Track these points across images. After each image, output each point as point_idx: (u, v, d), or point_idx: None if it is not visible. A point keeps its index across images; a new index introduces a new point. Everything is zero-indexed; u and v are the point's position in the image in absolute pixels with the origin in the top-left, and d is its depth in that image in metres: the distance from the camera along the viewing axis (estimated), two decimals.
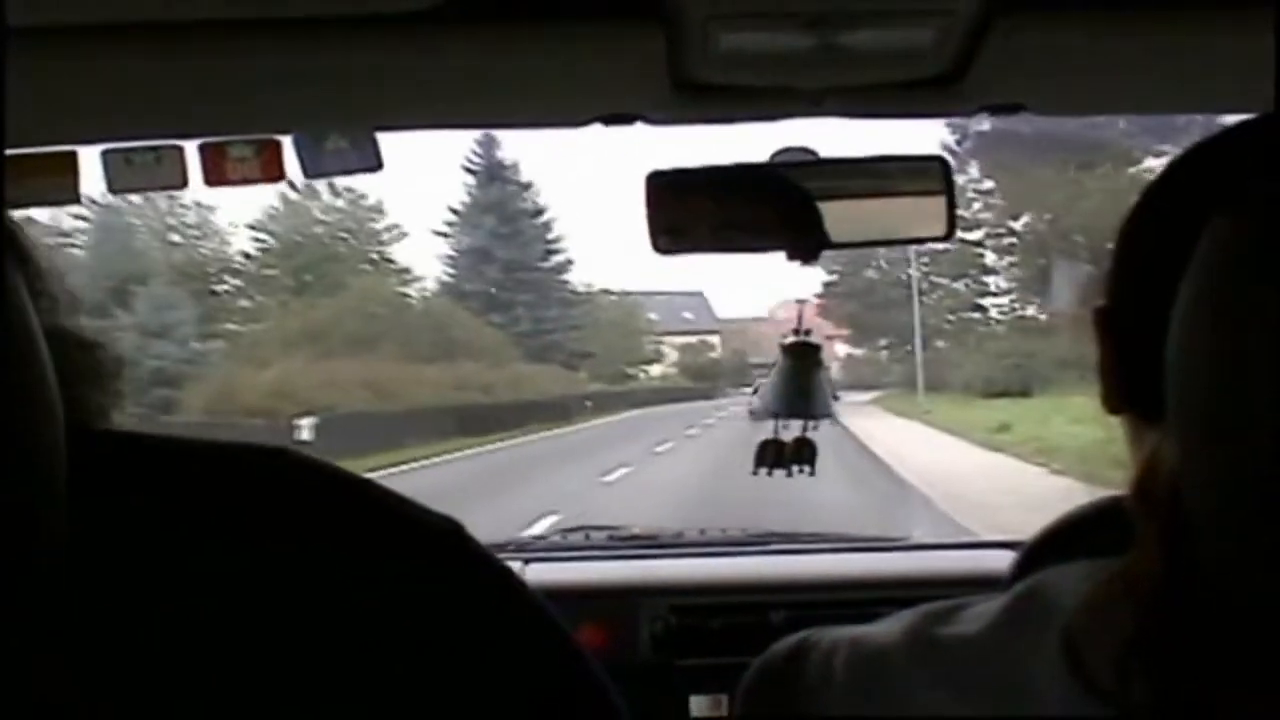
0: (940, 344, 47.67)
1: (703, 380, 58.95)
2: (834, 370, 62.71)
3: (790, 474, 2.31)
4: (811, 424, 2.23)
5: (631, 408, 45.89)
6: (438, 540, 0.82)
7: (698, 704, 2.35)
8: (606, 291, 57.28)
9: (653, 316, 63.27)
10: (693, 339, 64.00)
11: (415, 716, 0.75)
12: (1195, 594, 0.77)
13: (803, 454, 2.29)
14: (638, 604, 2.42)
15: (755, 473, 2.34)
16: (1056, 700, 0.82)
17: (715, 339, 65.25)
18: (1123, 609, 0.80)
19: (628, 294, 59.38)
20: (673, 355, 63.20)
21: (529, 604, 0.85)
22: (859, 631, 1.00)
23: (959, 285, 51.22)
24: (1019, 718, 0.84)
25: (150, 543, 0.74)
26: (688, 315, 67.38)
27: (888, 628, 0.98)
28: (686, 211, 1.83)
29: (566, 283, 53.74)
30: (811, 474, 2.32)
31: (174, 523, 0.76)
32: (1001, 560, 2.50)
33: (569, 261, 53.16)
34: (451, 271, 50.80)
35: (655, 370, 60.83)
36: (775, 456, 2.30)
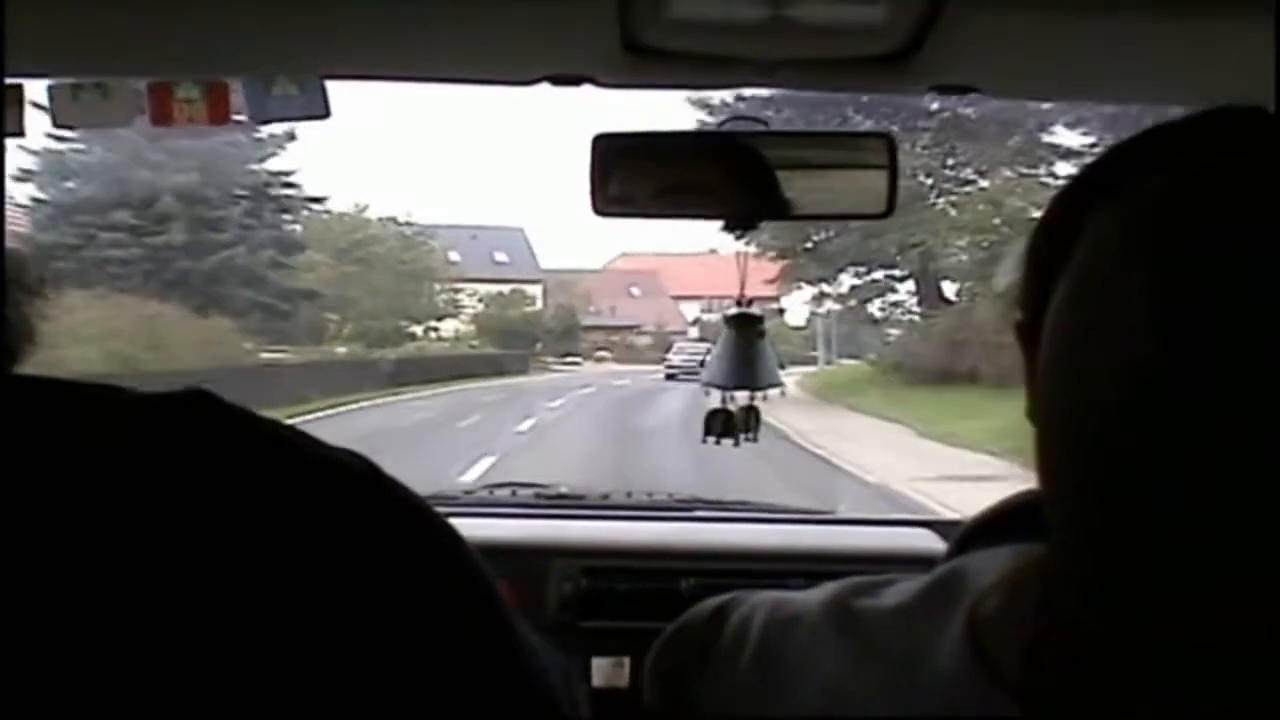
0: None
1: (513, 344, 48.02)
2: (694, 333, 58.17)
3: (738, 442, 2.47)
4: (760, 394, 2.42)
5: (381, 389, 29.86)
6: (352, 478, 0.87)
7: (599, 666, 2.47)
8: (392, 221, 46.88)
9: (454, 257, 52.84)
10: (505, 288, 53.34)
11: (330, 653, 0.80)
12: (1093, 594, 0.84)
13: (750, 423, 2.45)
14: (549, 564, 2.57)
15: (704, 441, 2.48)
16: (957, 680, 0.88)
17: (536, 290, 55.89)
18: (1032, 597, 0.87)
19: (415, 225, 48.03)
20: (478, 309, 52.53)
21: (443, 540, 0.90)
22: (781, 597, 1.07)
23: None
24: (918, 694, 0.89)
25: (61, 487, 0.79)
26: (501, 257, 57.85)
27: (810, 595, 1.04)
28: (630, 175, 1.98)
29: (289, 198, 37.87)
30: (755, 440, 2.46)
31: (85, 467, 0.80)
32: (922, 538, 2.72)
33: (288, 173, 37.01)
34: None
35: (449, 327, 49.45)
36: (724, 425, 2.45)
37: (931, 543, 2.57)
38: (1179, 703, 0.77)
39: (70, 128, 1.94)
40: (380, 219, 47.26)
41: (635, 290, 63.90)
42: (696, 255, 67.00)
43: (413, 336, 45.26)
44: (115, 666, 0.75)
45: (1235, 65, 1.45)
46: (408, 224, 47.63)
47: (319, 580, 0.81)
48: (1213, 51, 1.67)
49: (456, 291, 49.92)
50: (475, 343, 48.18)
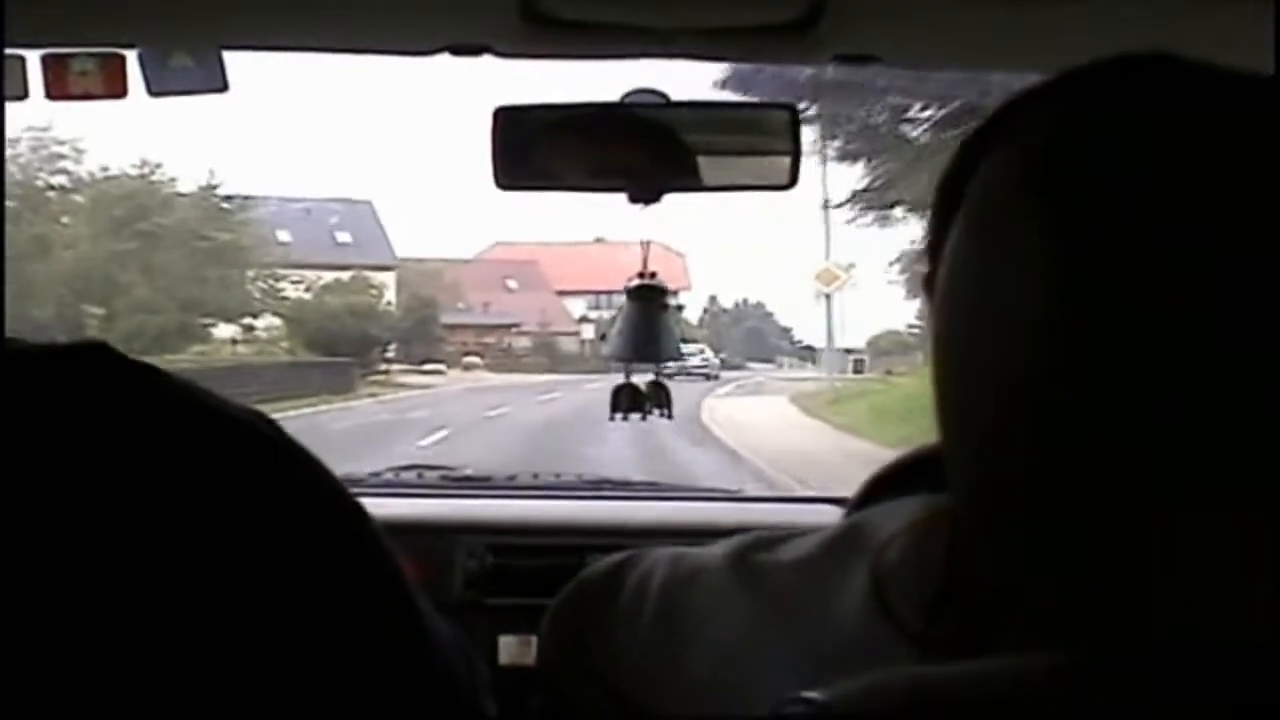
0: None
1: (341, 347, 39.94)
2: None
3: (645, 417, 2.69)
4: (663, 367, 2.65)
5: None
6: (251, 435, 0.92)
7: (506, 644, 2.67)
8: (200, 188, 40.00)
9: (284, 236, 47.51)
10: (344, 275, 46.29)
11: (216, 618, 0.84)
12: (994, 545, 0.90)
13: (659, 397, 2.68)
14: (454, 542, 2.76)
15: (612, 418, 2.70)
16: (860, 631, 0.95)
17: (386, 279, 49.49)
18: (935, 549, 0.95)
19: (225, 193, 40.92)
20: (304, 299, 44.08)
21: (344, 508, 0.95)
22: (680, 552, 1.14)
23: None
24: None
25: None
26: (344, 238, 52.84)
27: (711, 550, 1.11)
28: (532, 148, 2.17)
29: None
30: (669, 417, 2.70)
31: None
32: (831, 515, 2.90)
33: None
34: None
35: (260, 325, 42.01)
36: (630, 401, 2.67)
37: (836, 518, 2.70)
38: (1080, 649, 0.81)
39: None
40: (170, 181, 40.06)
41: (512, 283, 61.08)
42: (581, 245, 64.85)
43: (205, 339, 39.38)
44: None
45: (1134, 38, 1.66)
46: (215, 192, 40.70)
47: (209, 539, 0.85)
48: (1118, 19, 1.81)
49: (278, 280, 42.50)
50: (285, 345, 41.13)
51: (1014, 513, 0.87)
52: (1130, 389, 0.81)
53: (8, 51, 2.04)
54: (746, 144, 2.26)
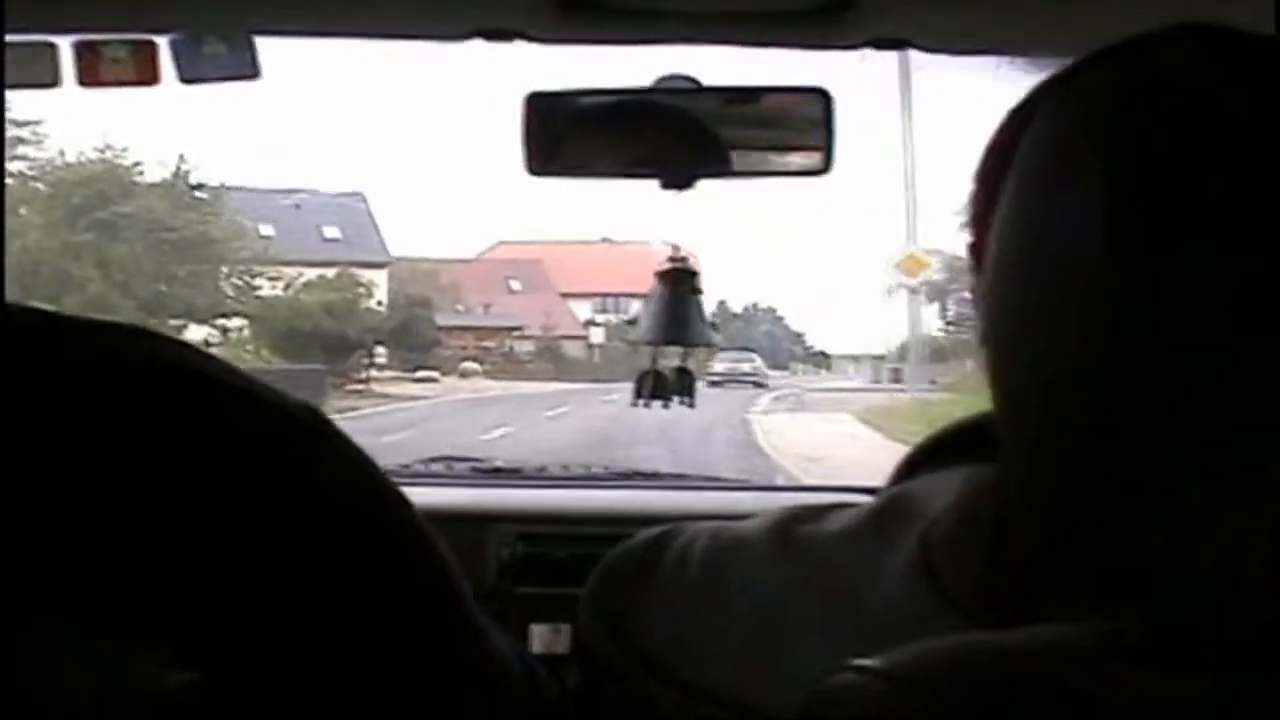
0: None
1: (311, 353, 35.84)
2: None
3: (668, 405, 2.76)
4: (689, 353, 2.72)
5: None
6: (291, 422, 0.95)
7: (538, 633, 2.72)
8: (172, 175, 35.87)
9: (267, 230, 42.75)
10: (329, 272, 41.96)
11: (266, 599, 0.89)
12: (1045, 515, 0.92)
13: (683, 384, 2.74)
14: (487, 531, 2.81)
15: (635, 404, 2.77)
16: (907, 602, 0.97)
17: (377, 277, 44.98)
18: (985, 521, 0.96)
19: (198, 181, 36.55)
20: (280, 297, 39.30)
21: (389, 497, 1.00)
22: (721, 525, 1.16)
23: None
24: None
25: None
26: (332, 233, 47.90)
27: (753, 522, 1.13)
28: (563, 134, 2.22)
29: None
30: (691, 405, 2.77)
31: (26, 399, 0.87)
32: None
33: None
34: None
35: (234, 326, 37.16)
36: (654, 387, 2.73)
37: None
38: (1129, 621, 0.83)
39: None
40: (134, 166, 35.86)
41: (515, 284, 58.94)
42: (587, 244, 62.62)
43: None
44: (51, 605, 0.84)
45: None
46: (187, 180, 37.02)
47: (256, 524, 0.89)
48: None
49: (254, 276, 38.30)
50: (251, 348, 36.19)
51: (1063, 485, 0.90)
52: (1186, 363, 0.83)
53: (39, 38, 2.11)
54: (780, 129, 2.30)
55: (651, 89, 2.26)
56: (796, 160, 2.32)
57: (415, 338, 44.84)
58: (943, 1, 2.09)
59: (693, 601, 1.12)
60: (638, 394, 2.76)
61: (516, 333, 53.83)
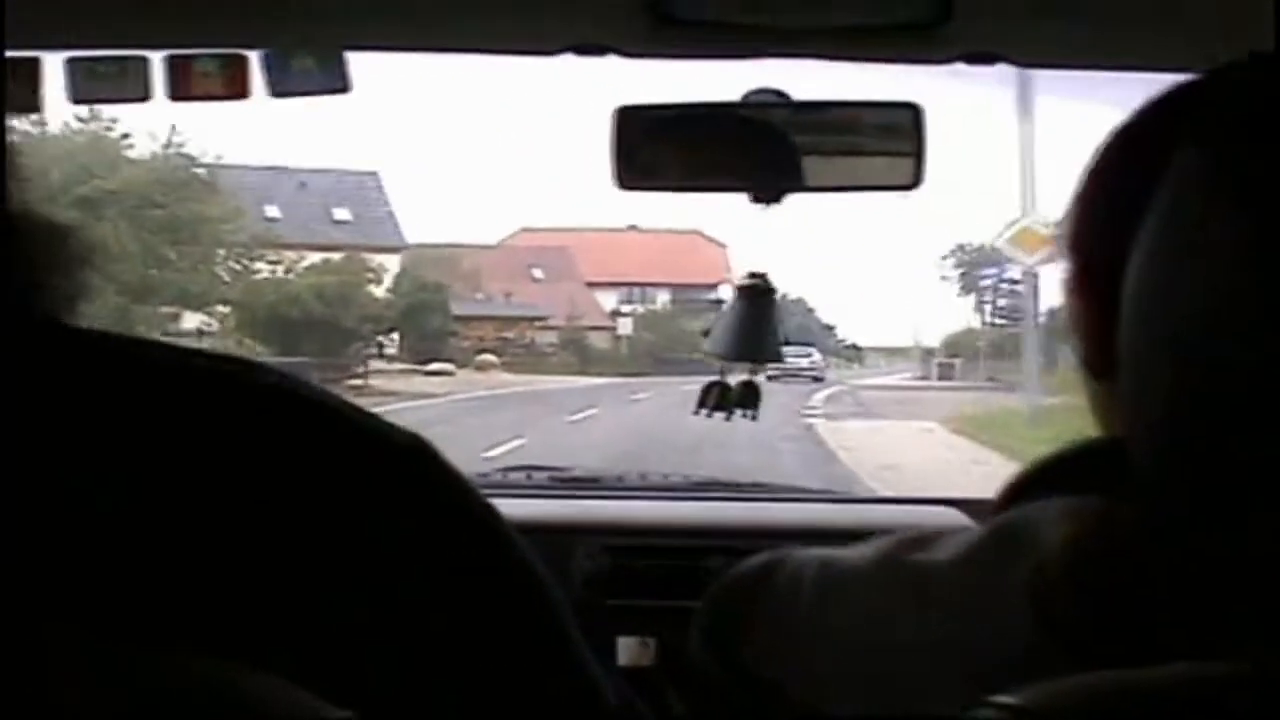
0: None
1: (299, 344, 34.09)
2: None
3: (730, 417, 2.79)
4: (774, 370, 2.77)
5: None
6: (403, 455, 0.97)
7: (625, 645, 2.74)
8: (175, 150, 35.05)
9: (272, 212, 43.20)
10: (333, 256, 40.61)
11: (374, 635, 0.91)
12: (1167, 549, 0.94)
13: (747, 398, 2.76)
14: (573, 542, 2.86)
15: (697, 413, 2.80)
16: (1020, 636, 0.99)
17: (387, 261, 43.66)
18: (1099, 553, 0.98)
19: (193, 156, 35.52)
20: (269, 279, 37.39)
21: (492, 525, 1.02)
22: (828, 553, 1.18)
23: None
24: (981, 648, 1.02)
25: (104, 447, 0.89)
26: (342, 215, 48.00)
27: (859, 551, 1.16)
28: (653, 148, 2.28)
29: None
30: (754, 419, 2.79)
31: (129, 429, 0.90)
32: (947, 517, 3.01)
33: None
34: None
35: (193, 322, 34.73)
36: (719, 399, 2.76)
37: (959, 520, 2.81)
38: (1251, 657, 0.85)
39: (88, 103, 2.20)
40: (123, 138, 34.56)
41: (538, 272, 57.87)
42: (614, 232, 61.31)
43: (160, 329, 31.46)
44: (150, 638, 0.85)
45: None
46: (180, 152, 35.64)
47: (359, 552, 0.92)
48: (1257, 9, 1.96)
49: (253, 260, 37.21)
50: (235, 338, 34.00)
51: (1197, 522, 0.92)
52: None
53: (131, 53, 2.18)
54: (869, 144, 2.34)
55: (740, 103, 2.30)
56: (885, 175, 2.36)
57: (427, 327, 44.36)
58: (1038, 14, 2.11)
59: (807, 629, 1.15)
60: (701, 404, 2.79)
61: (539, 323, 52.86)
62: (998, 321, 59.01)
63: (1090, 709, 0.87)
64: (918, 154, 2.29)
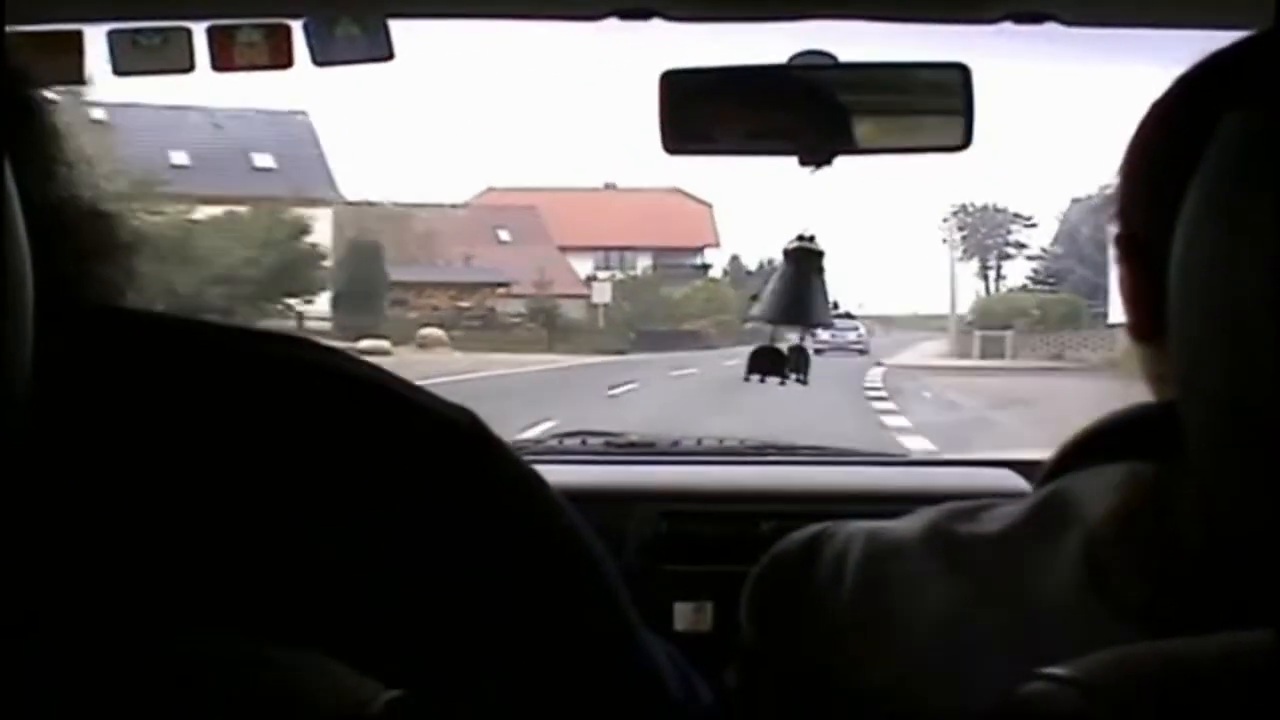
0: None
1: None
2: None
3: (784, 382, 2.98)
4: (819, 343, 2.92)
5: None
6: (459, 435, 1.04)
7: (681, 610, 2.92)
8: None
9: (179, 159, 40.44)
10: (240, 209, 37.99)
11: (431, 613, 0.97)
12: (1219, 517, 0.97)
13: (798, 363, 2.95)
14: (629, 508, 3.02)
15: (748, 379, 2.99)
16: (1073, 607, 1.03)
17: (317, 217, 40.29)
18: (1152, 521, 1.03)
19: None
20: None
21: (547, 502, 1.08)
22: (876, 526, 1.23)
23: None
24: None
25: (159, 427, 0.94)
26: (264, 162, 44.97)
27: (907, 523, 1.20)
28: (700, 111, 2.42)
29: None
30: (804, 382, 2.97)
31: (183, 407, 0.95)
32: (1002, 478, 3.19)
33: None
34: None
35: None
36: (770, 364, 2.95)
37: (1013, 481, 2.98)
38: None
39: (131, 74, 2.31)
40: None
41: (504, 234, 55.38)
42: (589, 191, 59.98)
43: None
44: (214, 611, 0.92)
45: None
46: (70, 90, 25.10)
47: (413, 531, 0.98)
48: None
49: (152, 214, 32.43)
50: None
51: (1250, 488, 0.94)
52: None
53: (174, 24, 2.31)
54: (918, 104, 2.48)
55: (786, 65, 2.43)
56: (934, 136, 2.51)
57: (358, 296, 41.09)
58: None
59: (854, 606, 1.20)
60: (752, 369, 2.98)
61: (502, 289, 50.13)
62: (1031, 287, 57.08)
63: (1145, 680, 0.90)
64: (968, 114, 2.42)
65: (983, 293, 63.07)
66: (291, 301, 37.71)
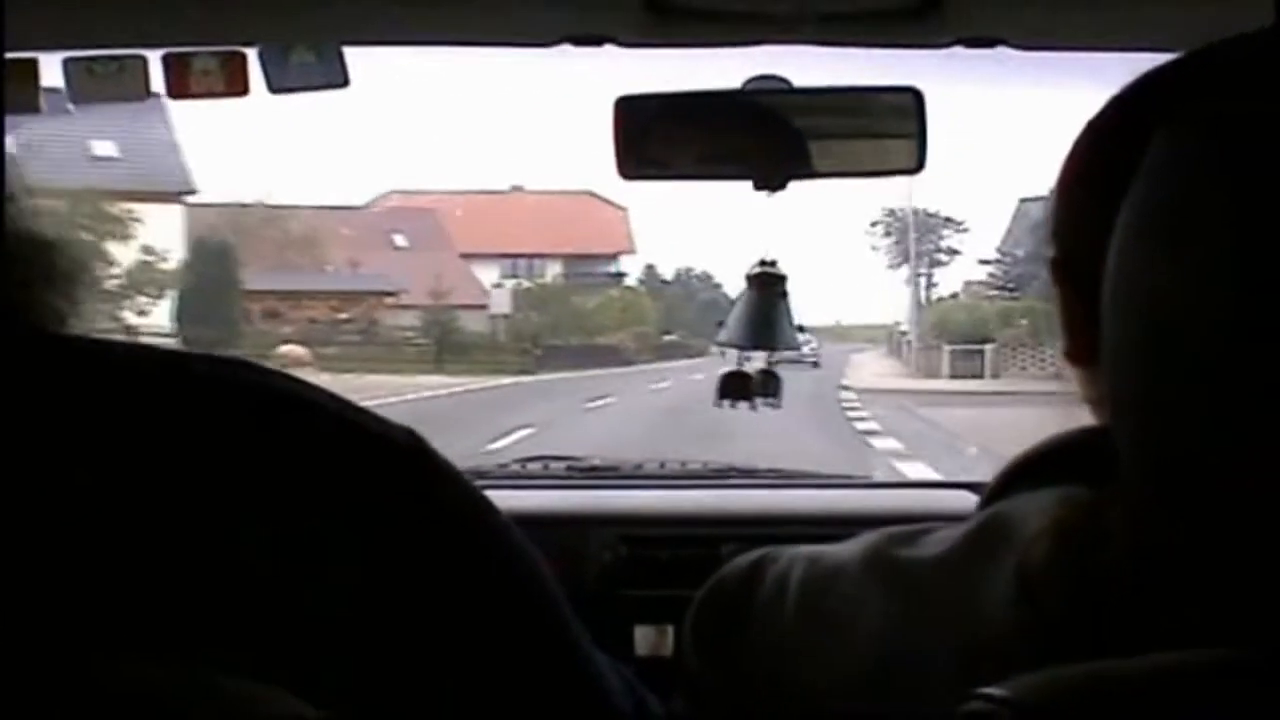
0: None
1: None
2: None
3: (754, 407, 3.08)
4: (774, 356, 3.05)
5: None
6: (399, 455, 1.06)
7: (642, 634, 3.04)
8: None
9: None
10: (58, 203, 30.12)
11: (368, 633, 1.00)
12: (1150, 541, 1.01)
13: (768, 386, 3.06)
14: (587, 533, 3.14)
15: (719, 404, 3.10)
16: (1005, 627, 1.06)
17: (157, 215, 38.57)
18: (1084, 543, 1.05)
19: None
20: None
21: (490, 521, 1.10)
22: (817, 550, 1.27)
23: None
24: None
25: (97, 455, 0.97)
26: (103, 150, 42.99)
27: (847, 547, 1.24)
28: (654, 137, 2.54)
29: None
30: (777, 406, 3.08)
31: (115, 431, 0.98)
32: (963, 500, 3.34)
33: None
34: None
35: None
36: (739, 389, 3.06)
37: (971, 504, 3.04)
38: (1236, 645, 0.92)
39: (88, 102, 2.43)
40: None
41: (400, 239, 53.98)
42: (497, 194, 58.20)
43: None
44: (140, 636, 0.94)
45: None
46: None
47: (351, 552, 1.01)
48: None
49: None
50: None
51: (1181, 507, 0.99)
52: None
53: (129, 52, 2.42)
54: (871, 128, 2.63)
55: (741, 90, 2.56)
56: (888, 158, 2.65)
57: (203, 306, 38.87)
58: None
59: (795, 630, 1.24)
60: (722, 394, 3.10)
61: (389, 300, 47.90)
62: (990, 294, 55.31)
63: (1077, 699, 0.94)
64: (921, 137, 2.55)
65: (921, 302, 62.29)
66: (124, 313, 35.57)
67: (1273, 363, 0.90)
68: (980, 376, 39.85)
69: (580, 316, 47.82)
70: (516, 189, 61.31)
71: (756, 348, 3.02)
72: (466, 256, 53.39)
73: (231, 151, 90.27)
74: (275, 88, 2.46)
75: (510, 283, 51.71)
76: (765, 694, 1.25)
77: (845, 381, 37.60)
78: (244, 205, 48.15)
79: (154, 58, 2.45)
